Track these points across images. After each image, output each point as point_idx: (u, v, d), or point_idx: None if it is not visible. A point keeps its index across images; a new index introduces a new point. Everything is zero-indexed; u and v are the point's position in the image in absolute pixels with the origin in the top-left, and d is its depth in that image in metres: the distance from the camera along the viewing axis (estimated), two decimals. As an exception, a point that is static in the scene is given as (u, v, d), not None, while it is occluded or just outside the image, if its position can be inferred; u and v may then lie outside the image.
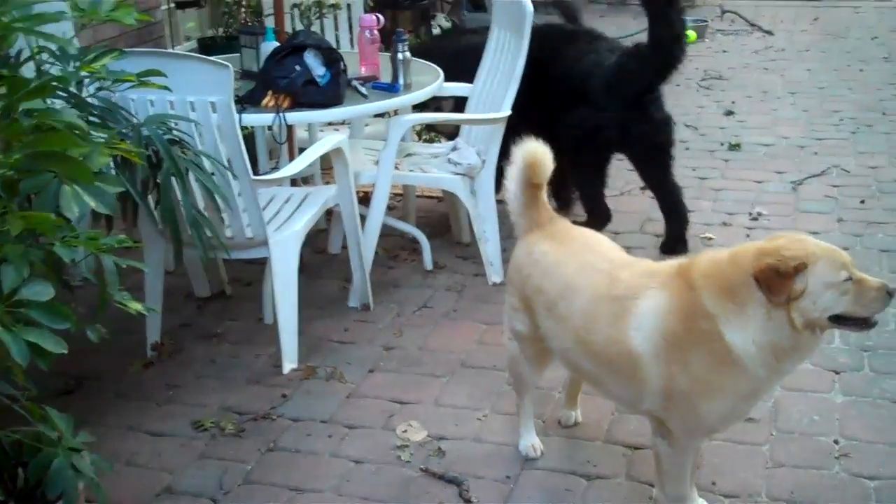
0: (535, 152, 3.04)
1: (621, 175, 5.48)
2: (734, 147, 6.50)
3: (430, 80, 4.45)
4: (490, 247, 4.54)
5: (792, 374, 2.76)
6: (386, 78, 4.40)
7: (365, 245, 4.30)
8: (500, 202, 4.06)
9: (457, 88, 4.93)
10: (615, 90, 4.61)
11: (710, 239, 4.98)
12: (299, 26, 5.45)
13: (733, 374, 2.60)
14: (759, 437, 3.36)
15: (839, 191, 5.67)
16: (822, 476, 3.16)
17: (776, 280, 2.48)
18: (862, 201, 5.48)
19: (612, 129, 4.61)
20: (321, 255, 4.88)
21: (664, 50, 4.49)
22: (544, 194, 3.13)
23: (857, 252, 4.78)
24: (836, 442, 3.33)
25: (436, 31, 9.06)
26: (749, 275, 2.52)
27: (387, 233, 4.86)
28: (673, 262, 2.81)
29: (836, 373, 3.75)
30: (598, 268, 2.89)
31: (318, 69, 4.00)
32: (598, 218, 4.83)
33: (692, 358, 2.62)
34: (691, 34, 9.69)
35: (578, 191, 5.08)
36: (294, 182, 4.66)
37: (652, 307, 2.69)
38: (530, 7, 4.38)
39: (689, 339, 2.62)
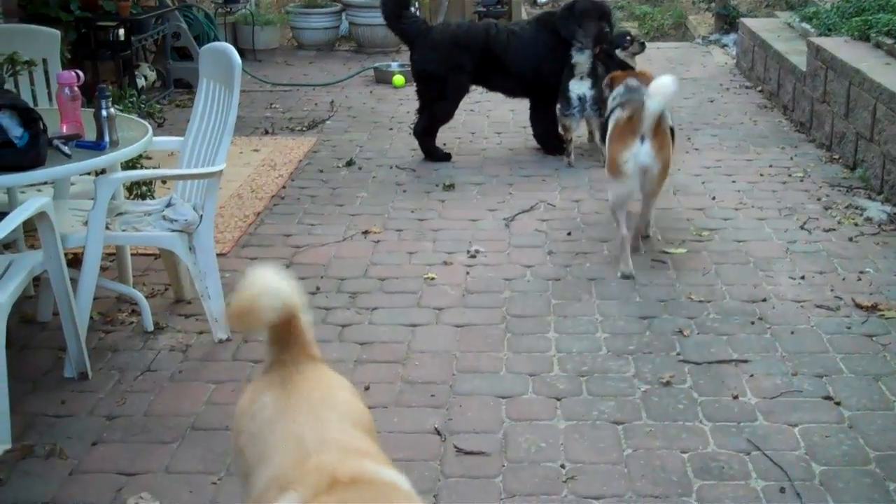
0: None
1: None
2: (448, 187, 6.71)
3: (139, 136, 4.30)
4: (213, 303, 4.43)
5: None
6: (91, 135, 4.20)
7: (78, 310, 4.06)
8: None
9: (168, 142, 4.81)
10: None
11: (433, 278, 5.10)
12: (-9, 85, 5.11)
13: None
14: (492, 469, 3.46)
15: (548, 224, 5.97)
16: (552, 501, 3.29)
17: None
18: (569, 233, 5.80)
19: None
20: (30, 325, 4.57)
21: None
22: (304, 324, 2.53)
23: (568, 282, 5.05)
24: (562, 466, 3.48)
25: (140, 81, 8.80)
26: None
27: (102, 296, 4.64)
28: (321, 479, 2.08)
29: (558, 399, 3.93)
30: (291, 445, 2.24)
31: (15, 130, 3.77)
32: None
33: None
34: (399, 79, 10.01)
35: None
36: (-6, 249, 4.35)
37: None
38: (238, 58, 4.33)
39: None
